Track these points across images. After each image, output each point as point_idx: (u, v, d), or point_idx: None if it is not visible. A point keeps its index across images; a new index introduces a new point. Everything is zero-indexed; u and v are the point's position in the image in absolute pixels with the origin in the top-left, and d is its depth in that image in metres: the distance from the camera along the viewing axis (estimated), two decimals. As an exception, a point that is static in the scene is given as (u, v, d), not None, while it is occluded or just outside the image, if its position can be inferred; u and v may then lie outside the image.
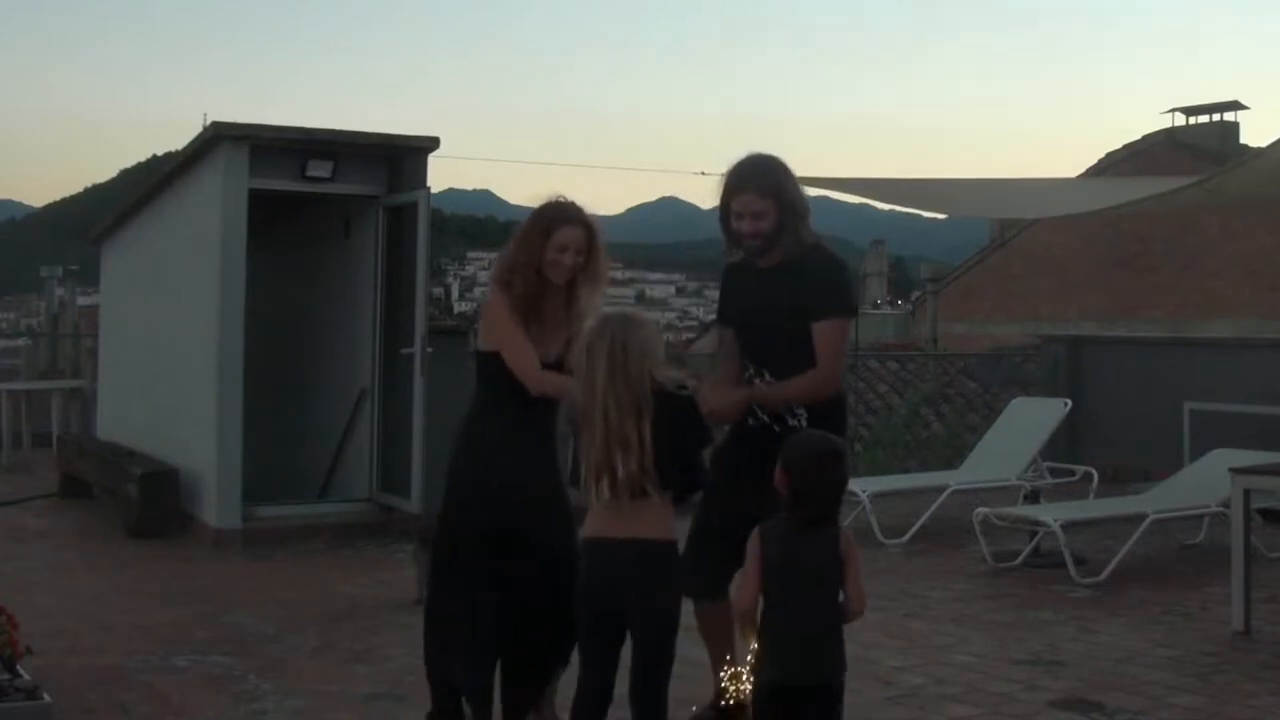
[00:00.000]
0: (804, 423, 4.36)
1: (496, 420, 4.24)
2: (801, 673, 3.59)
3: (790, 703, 3.58)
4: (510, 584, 4.21)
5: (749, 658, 3.87)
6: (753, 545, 3.67)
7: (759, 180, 4.34)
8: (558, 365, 4.20)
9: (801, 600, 3.61)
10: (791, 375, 4.40)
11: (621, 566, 3.75)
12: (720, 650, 4.63)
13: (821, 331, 4.34)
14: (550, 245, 4.23)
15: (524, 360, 4.18)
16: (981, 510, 8.16)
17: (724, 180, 4.43)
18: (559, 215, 4.27)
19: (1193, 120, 23.31)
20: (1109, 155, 22.70)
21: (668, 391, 3.74)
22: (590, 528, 3.83)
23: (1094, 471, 9.55)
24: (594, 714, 3.83)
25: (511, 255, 4.27)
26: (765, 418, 4.48)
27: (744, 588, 3.71)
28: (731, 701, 4.25)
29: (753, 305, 4.48)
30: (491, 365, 4.25)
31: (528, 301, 4.24)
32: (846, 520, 9.02)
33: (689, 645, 6.07)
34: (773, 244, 4.37)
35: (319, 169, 9.18)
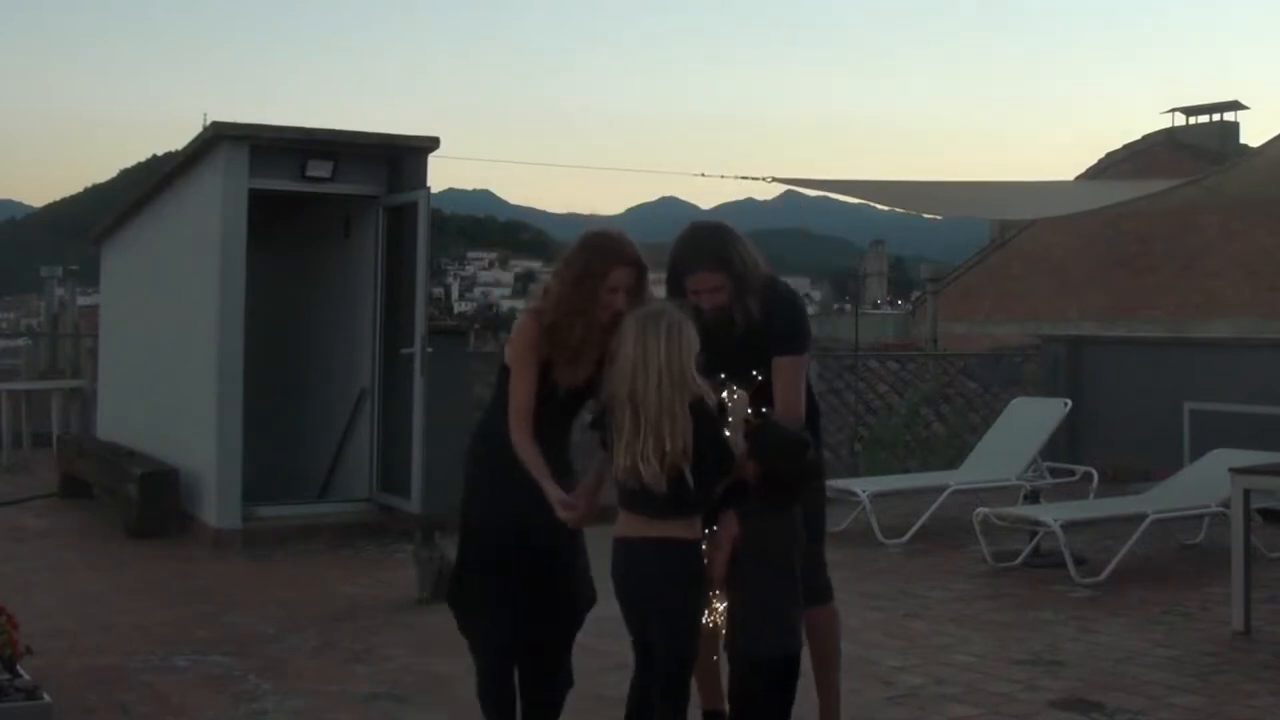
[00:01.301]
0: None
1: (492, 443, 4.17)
2: (785, 643, 3.86)
3: (776, 672, 3.86)
4: (521, 587, 4.19)
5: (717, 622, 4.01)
6: (729, 528, 3.85)
7: (709, 257, 4.30)
8: (585, 389, 4.15)
9: (776, 576, 3.87)
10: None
11: (640, 565, 3.87)
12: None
13: (776, 370, 4.35)
14: (603, 287, 4.06)
15: (519, 407, 4.07)
16: (981, 510, 8.15)
17: (671, 255, 4.38)
18: (614, 255, 4.09)
19: (1193, 120, 23.33)
20: (1109, 155, 22.72)
21: (703, 400, 3.81)
22: (619, 528, 3.91)
23: (1094, 471, 9.54)
24: (639, 707, 3.98)
25: (568, 299, 4.06)
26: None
27: (716, 566, 3.87)
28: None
29: (732, 352, 4.43)
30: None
31: (578, 343, 4.08)
32: (846, 520, 9.07)
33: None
34: (732, 311, 4.35)
35: (319, 169, 9.18)
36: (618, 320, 4.00)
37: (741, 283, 4.30)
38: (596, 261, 4.09)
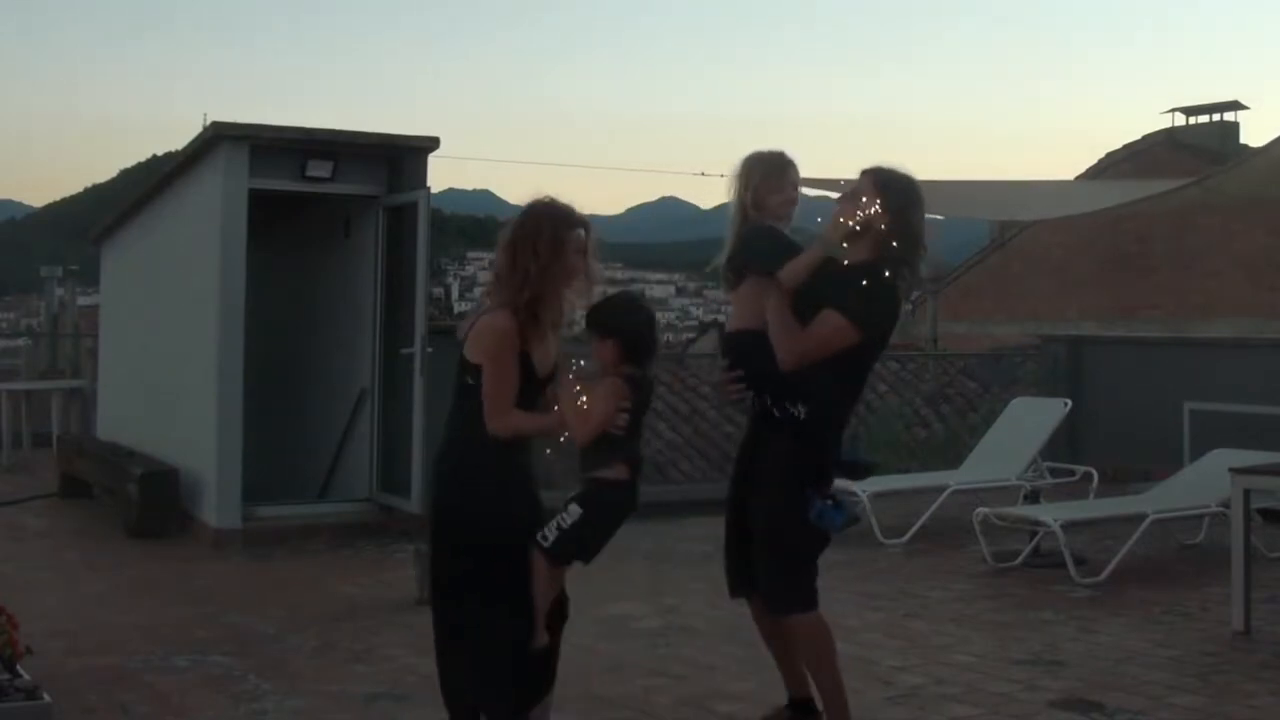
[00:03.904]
0: (801, 413, 4.35)
1: (482, 442, 4.05)
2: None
3: None
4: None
5: None
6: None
7: (879, 174, 4.44)
8: (550, 377, 4.12)
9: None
10: (822, 369, 4.32)
11: None
12: (778, 649, 4.63)
13: (819, 318, 4.26)
14: (570, 252, 4.03)
15: (505, 400, 4.00)
16: (981, 510, 8.15)
17: None
18: (572, 219, 4.07)
19: (1193, 120, 23.30)
20: (1109, 155, 22.69)
21: None
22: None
23: (1094, 471, 9.53)
24: None
25: (549, 270, 3.99)
26: (766, 401, 4.44)
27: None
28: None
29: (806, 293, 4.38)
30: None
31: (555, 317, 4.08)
32: (847, 520, 9.04)
33: (687, 645, 6.08)
34: (858, 238, 4.33)
35: (319, 169, 9.18)
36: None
37: (890, 217, 4.36)
38: (562, 228, 4.06)
